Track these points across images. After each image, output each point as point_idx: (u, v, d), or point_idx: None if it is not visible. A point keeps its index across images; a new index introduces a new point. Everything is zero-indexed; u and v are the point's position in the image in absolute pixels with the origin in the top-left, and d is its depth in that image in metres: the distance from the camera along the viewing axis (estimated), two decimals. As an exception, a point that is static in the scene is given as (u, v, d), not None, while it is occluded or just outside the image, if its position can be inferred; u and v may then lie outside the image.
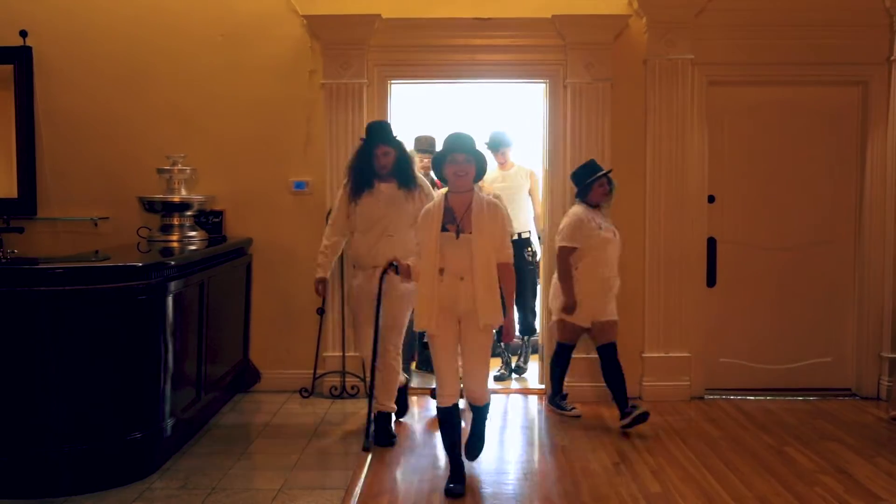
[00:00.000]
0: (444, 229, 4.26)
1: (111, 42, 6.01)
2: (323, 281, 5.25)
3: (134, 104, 6.04)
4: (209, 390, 5.26)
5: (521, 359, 6.76)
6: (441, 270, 4.24)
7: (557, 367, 5.75)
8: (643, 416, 5.23)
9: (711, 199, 6.11)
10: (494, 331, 4.41)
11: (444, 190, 4.44)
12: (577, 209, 5.51)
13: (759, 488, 4.31)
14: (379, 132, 5.10)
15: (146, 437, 4.32)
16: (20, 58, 5.95)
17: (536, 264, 6.62)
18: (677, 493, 4.28)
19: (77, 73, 6.04)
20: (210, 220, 5.98)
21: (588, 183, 5.48)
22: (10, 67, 5.98)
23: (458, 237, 4.23)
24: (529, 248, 6.61)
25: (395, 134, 5.15)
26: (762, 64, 5.97)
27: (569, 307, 5.48)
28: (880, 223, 6.07)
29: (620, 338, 5.89)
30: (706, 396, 6.13)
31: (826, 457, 4.82)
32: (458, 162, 4.24)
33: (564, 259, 5.46)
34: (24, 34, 5.93)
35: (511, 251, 4.37)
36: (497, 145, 6.66)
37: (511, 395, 6.23)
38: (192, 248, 5.46)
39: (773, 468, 4.64)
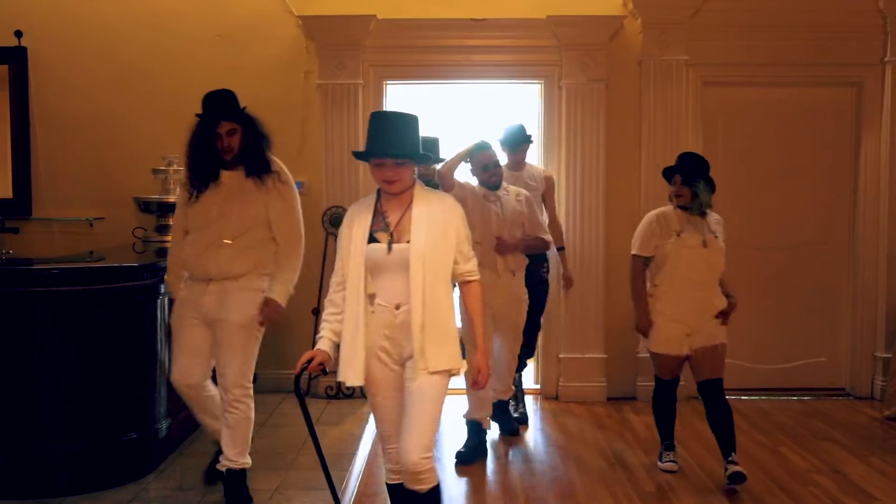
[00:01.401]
0: (372, 239, 3.09)
1: (106, 42, 6.01)
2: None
3: (129, 104, 6.03)
4: (205, 391, 5.26)
5: (520, 404, 5.60)
6: (371, 297, 3.07)
7: (657, 410, 4.68)
8: (738, 477, 4.25)
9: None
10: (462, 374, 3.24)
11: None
12: (658, 209, 4.62)
13: (754, 488, 4.32)
14: (221, 104, 3.95)
15: (142, 438, 4.32)
16: (15, 58, 5.95)
17: (548, 284, 5.59)
18: (672, 492, 4.29)
19: (72, 74, 6.03)
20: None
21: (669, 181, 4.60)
22: (5, 68, 5.97)
23: (390, 250, 3.05)
24: (545, 264, 5.49)
25: (243, 106, 4.01)
26: (756, 65, 5.99)
27: (641, 328, 4.60)
28: (874, 224, 6.09)
29: (617, 338, 5.91)
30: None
31: (820, 456, 4.84)
32: (386, 166, 3.06)
33: (635, 270, 4.56)
34: (18, 34, 5.93)
35: (475, 262, 3.21)
36: (516, 142, 5.56)
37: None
38: (188, 248, 5.45)
39: (767, 468, 4.66)
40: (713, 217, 4.57)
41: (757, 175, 6.17)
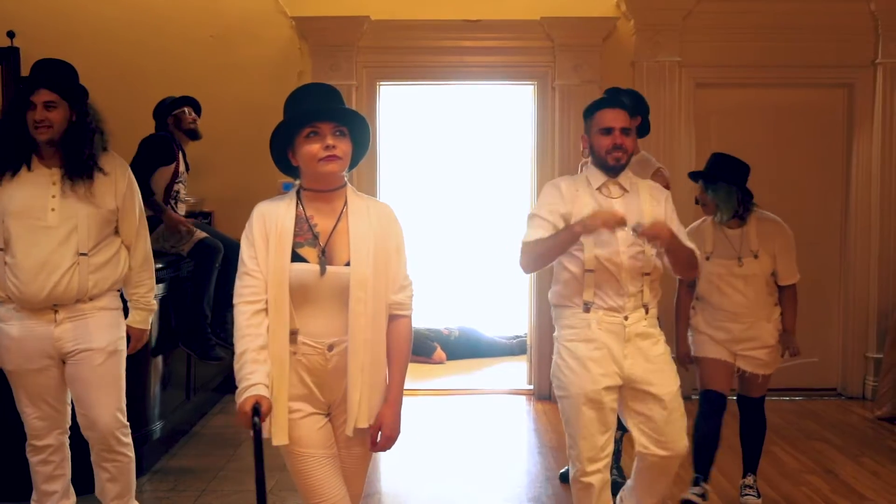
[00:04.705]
0: (296, 257, 2.39)
1: (100, 43, 6.00)
2: None
3: (122, 105, 5.95)
4: (198, 392, 5.26)
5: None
6: (294, 334, 2.40)
7: (695, 433, 3.95)
8: None
9: (698, 200, 6.13)
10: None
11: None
12: (695, 223, 4.20)
13: (747, 488, 4.35)
14: (42, 69, 3.22)
15: (135, 440, 4.23)
16: (8, 59, 5.93)
17: None
18: (665, 493, 4.30)
19: (65, 74, 6.01)
20: (199, 222, 5.96)
21: None
22: (-3, 68, 5.97)
23: (323, 272, 2.38)
24: None
25: (72, 70, 3.30)
26: (749, 66, 6.02)
27: (679, 357, 4.09)
28: (865, 225, 6.12)
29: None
30: (693, 397, 6.14)
31: (812, 456, 4.87)
32: (323, 135, 2.40)
33: (677, 295, 4.16)
34: (11, 35, 5.91)
35: (411, 293, 2.54)
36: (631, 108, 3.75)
37: (497, 395, 6.25)
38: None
39: (759, 468, 4.67)
40: (764, 222, 3.97)
41: (749, 176, 6.18)
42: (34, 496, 3.41)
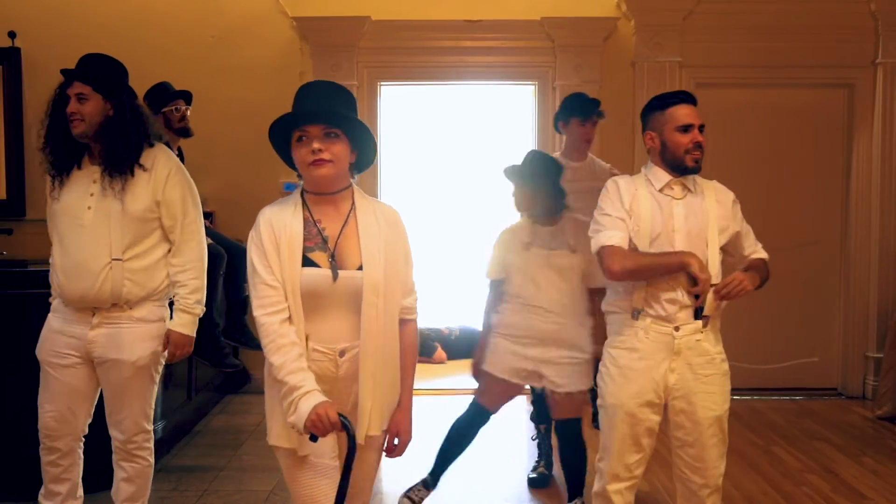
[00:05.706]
0: (307, 262, 2.33)
1: (100, 43, 5.89)
2: None
3: (123, 105, 6.03)
4: (199, 392, 5.27)
5: (540, 462, 4.57)
6: (306, 340, 2.33)
7: (449, 440, 4.08)
8: None
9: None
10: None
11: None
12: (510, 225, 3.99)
13: (747, 487, 4.36)
14: (79, 64, 3.19)
15: (137, 439, 4.31)
16: (9, 59, 5.94)
17: None
18: (666, 491, 4.31)
19: (66, 75, 6.01)
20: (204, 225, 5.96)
21: None
22: (-1, 69, 5.98)
23: (336, 277, 2.32)
24: None
25: (112, 65, 3.20)
26: (749, 67, 6.03)
27: (474, 367, 4.11)
28: (866, 224, 6.13)
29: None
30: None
31: (813, 456, 4.87)
32: (311, 138, 2.32)
33: (487, 301, 3.98)
34: (12, 35, 5.92)
35: (417, 295, 2.53)
36: (588, 109, 4.30)
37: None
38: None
39: (760, 467, 4.68)
40: (579, 222, 3.61)
41: (749, 176, 6.18)
42: (42, 490, 3.42)
